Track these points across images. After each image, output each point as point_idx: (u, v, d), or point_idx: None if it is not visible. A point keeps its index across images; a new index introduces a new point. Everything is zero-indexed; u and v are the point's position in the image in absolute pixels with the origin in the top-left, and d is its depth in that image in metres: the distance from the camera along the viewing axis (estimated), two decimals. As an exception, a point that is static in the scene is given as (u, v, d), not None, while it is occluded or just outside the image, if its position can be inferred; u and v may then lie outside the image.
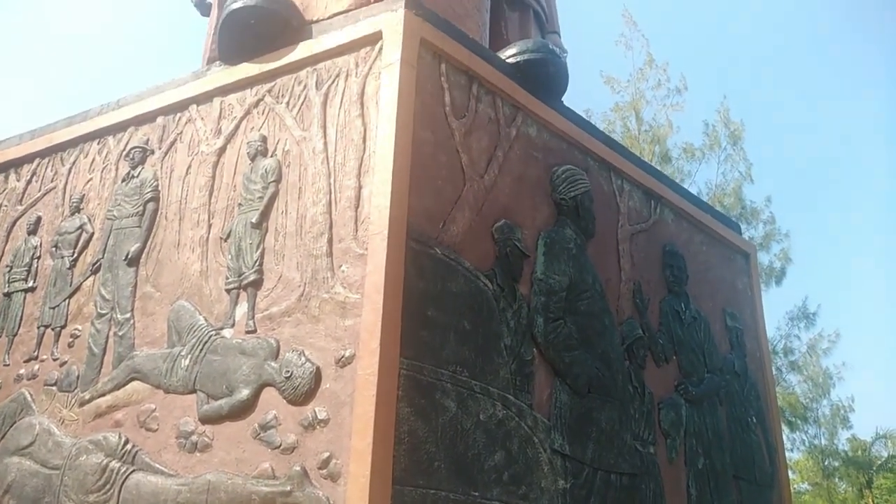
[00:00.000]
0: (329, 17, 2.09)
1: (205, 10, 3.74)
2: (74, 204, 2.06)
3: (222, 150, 1.86)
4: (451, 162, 1.70)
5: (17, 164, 2.28)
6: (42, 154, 2.23)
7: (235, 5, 1.86)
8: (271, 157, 1.75)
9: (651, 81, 11.77)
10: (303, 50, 1.82)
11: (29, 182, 2.23)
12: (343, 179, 1.62)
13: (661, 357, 2.13)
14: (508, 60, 2.00)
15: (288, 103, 1.80)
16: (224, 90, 1.92)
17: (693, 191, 11.27)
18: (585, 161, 2.11)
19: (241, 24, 1.87)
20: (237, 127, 1.86)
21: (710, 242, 2.52)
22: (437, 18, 1.80)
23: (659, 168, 11.22)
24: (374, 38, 1.72)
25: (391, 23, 1.70)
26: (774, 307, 12.23)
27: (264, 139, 1.79)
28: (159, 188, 1.90)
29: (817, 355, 11.36)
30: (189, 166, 1.89)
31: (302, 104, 1.78)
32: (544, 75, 2.02)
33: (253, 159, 1.78)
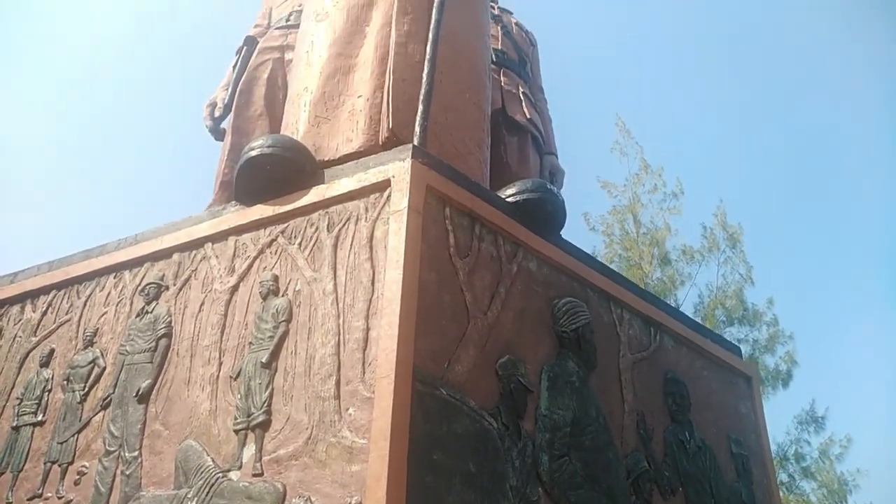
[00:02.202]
0: (339, 158, 2.23)
1: (219, 135, 3.95)
2: (88, 337, 2.11)
3: (235, 288, 1.93)
4: (456, 301, 1.77)
5: (33, 295, 2.35)
6: (59, 286, 2.31)
7: (253, 153, 1.99)
8: (282, 296, 1.82)
9: (647, 186, 12.13)
10: (315, 194, 1.93)
11: (44, 314, 2.29)
12: (352, 321, 1.68)
13: (667, 490, 2.12)
14: (508, 199, 2.11)
15: (300, 244, 1.89)
16: (239, 230, 2.02)
17: (694, 294, 11.38)
18: (585, 292, 2.18)
19: (257, 168, 2.00)
20: (250, 266, 1.94)
21: (710, 367, 2.55)
22: (442, 165, 1.92)
23: (659, 270, 11.40)
24: (383, 186, 1.83)
25: (399, 171, 1.81)
26: (783, 411, 12.02)
27: (276, 279, 1.86)
28: (172, 324, 1.96)
29: (830, 461, 11.06)
30: (202, 303, 1.95)
31: (313, 246, 1.86)
32: (543, 213, 2.12)
33: (265, 298, 1.85)
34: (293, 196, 1.96)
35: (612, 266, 11.94)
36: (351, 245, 1.80)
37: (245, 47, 4.02)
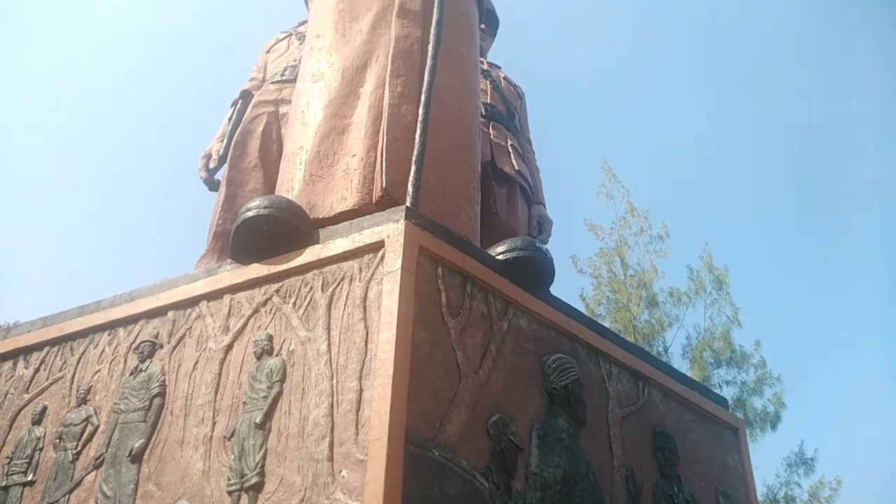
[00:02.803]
0: (334, 217, 2.28)
1: (213, 186, 4.00)
2: (82, 395, 2.12)
3: (230, 347, 1.95)
4: (448, 360, 1.80)
5: (26, 351, 2.36)
6: (52, 343, 2.32)
7: (249, 213, 2.04)
8: (277, 356, 1.85)
9: (633, 228, 12.29)
10: (311, 254, 1.97)
11: (37, 370, 2.30)
12: (345, 382, 1.71)
13: (657, 546, 2.13)
14: (499, 257, 2.16)
15: (295, 304, 1.92)
16: (234, 288, 2.05)
17: (682, 335, 11.42)
18: (574, 348, 2.22)
19: (254, 228, 2.04)
20: (245, 325, 1.97)
21: (698, 420, 2.58)
22: (434, 225, 1.98)
23: (647, 312, 11.46)
24: (377, 246, 1.88)
25: (393, 232, 1.86)
26: (772, 453, 11.99)
27: (271, 338, 1.89)
28: (166, 383, 1.97)
29: (820, 503, 11.01)
30: (196, 362, 1.98)
31: (308, 305, 1.90)
32: (532, 270, 2.17)
33: (259, 358, 1.87)
34: (289, 256, 2.00)
35: (601, 308, 12.04)
36: (345, 305, 1.84)
37: (240, 100, 4.10)
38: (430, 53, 2.53)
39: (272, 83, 3.97)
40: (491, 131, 4.20)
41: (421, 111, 2.40)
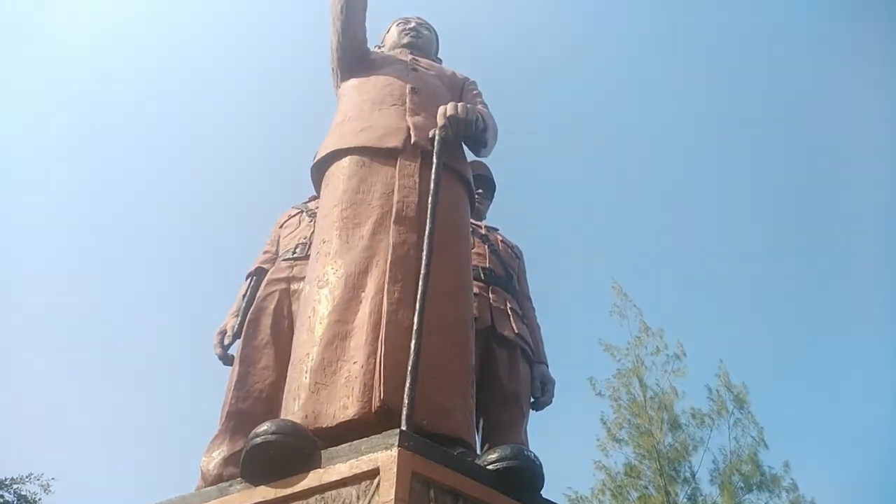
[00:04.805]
0: (336, 426, 2.45)
1: (228, 361, 4.22)
2: None
3: (237, 572, 2.07)
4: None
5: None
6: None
7: (258, 440, 2.22)
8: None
9: (649, 348, 12.30)
10: (313, 478, 2.13)
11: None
12: None
13: None
14: (489, 467, 2.30)
15: (298, 529, 2.05)
16: (243, 509, 2.19)
17: (708, 459, 11.13)
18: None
19: (262, 454, 2.21)
20: (252, 549, 2.09)
21: None
22: (426, 447, 2.13)
23: (671, 436, 11.24)
24: (373, 474, 2.03)
25: (386, 462, 2.02)
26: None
27: (275, 565, 2.01)
28: None
29: None
30: (206, 587, 2.09)
31: (310, 531, 2.03)
32: (522, 480, 2.30)
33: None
34: (293, 480, 2.16)
35: (623, 433, 11.83)
36: (344, 533, 1.97)
37: (255, 277, 4.39)
38: (423, 262, 2.77)
39: (284, 260, 4.27)
40: (490, 295, 4.42)
41: (416, 319, 2.61)
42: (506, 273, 4.57)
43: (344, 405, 2.50)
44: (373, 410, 2.46)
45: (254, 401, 3.65)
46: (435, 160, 3.08)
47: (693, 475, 10.77)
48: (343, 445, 2.20)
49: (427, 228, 2.88)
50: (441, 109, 3.27)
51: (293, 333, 3.95)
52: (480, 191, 4.78)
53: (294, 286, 4.09)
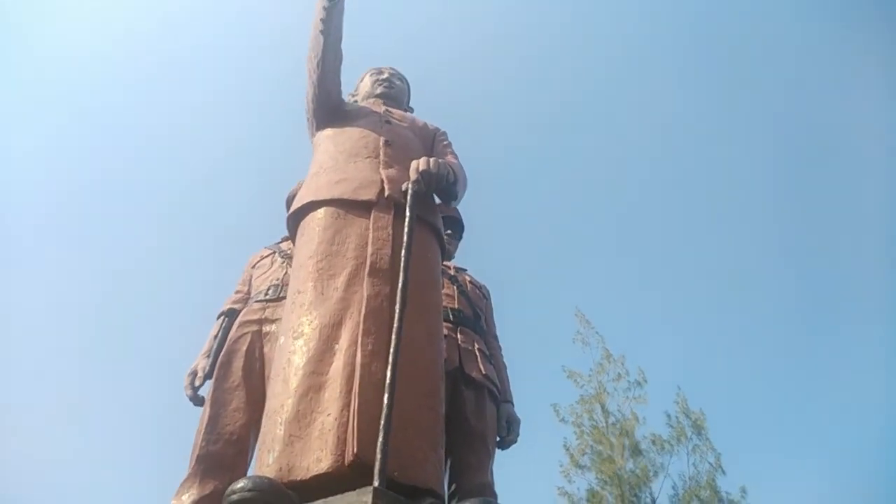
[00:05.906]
0: (310, 479, 2.52)
1: (198, 402, 4.24)
2: None
3: None
4: None
5: None
6: None
7: (235, 497, 2.29)
8: None
9: (611, 374, 12.55)
10: (288, 535, 2.20)
11: None
12: None
13: None
14: (461, 516, 2.40)
15: (273, 586, 2.12)
16: (219, 565, 2.25)
17: (668, 485, 11.36)
18: None
19: (237, 510, 2.28)
20: None
21: None
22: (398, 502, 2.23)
23: (632, 462, 11.46)
24: (347, 532, 2.12)
25: (361, 520, 2.11)
26: None
27: None
28: None
29: None
30: None
31: (285, 588, 2.10)
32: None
33: None
34: (268, 535, 2.22)
35: (585, 459, 12.01)
36: (319, 591, 2.05)
37: (226, 317, 4.43)
38: (396, 316, 2.88)
39: (256, 302, 4.32)
40: (459, 336, 4.55)
41: (388, 373, 2.71)
42: (474, 313, 4.70)
43: (318, 458, 2.58)
44: (346, 464, 2.54)
45: (224, 443, 3.69)
46: (408, 214, 3.19)
47: (654, 501, 10.97)
48: (318, 502, 2.28)
49: (400, 281, 2.99)
50: (414, 164, 3.39)
51: (265, 376, 4.01)
52: (450, 231, 4.91)
53: (266, 328, 4.14)
